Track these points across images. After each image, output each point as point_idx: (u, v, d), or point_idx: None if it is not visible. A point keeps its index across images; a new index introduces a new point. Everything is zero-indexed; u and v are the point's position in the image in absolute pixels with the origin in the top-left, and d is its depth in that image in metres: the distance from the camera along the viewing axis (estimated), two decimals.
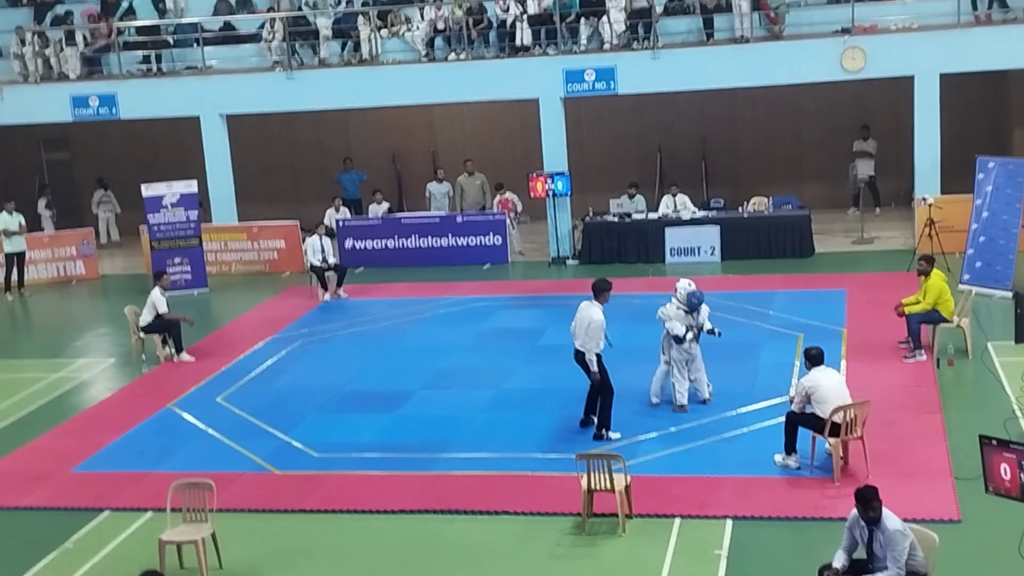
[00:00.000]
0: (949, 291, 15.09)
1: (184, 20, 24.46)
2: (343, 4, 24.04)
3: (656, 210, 22.12)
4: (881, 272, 19.49)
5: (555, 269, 21.81)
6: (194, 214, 21.71)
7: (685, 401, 13.73)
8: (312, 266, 20.34)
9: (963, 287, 17.10)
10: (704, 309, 13.77)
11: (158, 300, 17.13)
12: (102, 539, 11.55)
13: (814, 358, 11.97)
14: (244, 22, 24.43)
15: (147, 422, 14.81)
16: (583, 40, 22.06)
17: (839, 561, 8.98)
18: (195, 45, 23.86)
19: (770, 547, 10.60)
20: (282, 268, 22.83)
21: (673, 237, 21.41)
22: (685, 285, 13.67)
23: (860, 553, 8.96)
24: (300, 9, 24.11)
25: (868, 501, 8.72)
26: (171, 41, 24.21)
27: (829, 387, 11.79)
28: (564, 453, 12.37)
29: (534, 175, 21.98)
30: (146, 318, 17.21)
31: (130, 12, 24.97)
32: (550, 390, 14.78)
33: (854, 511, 8.91)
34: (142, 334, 17.32)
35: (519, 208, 23.16)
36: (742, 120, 25.26)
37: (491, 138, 26.13)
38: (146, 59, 24.16)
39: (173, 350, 17.26)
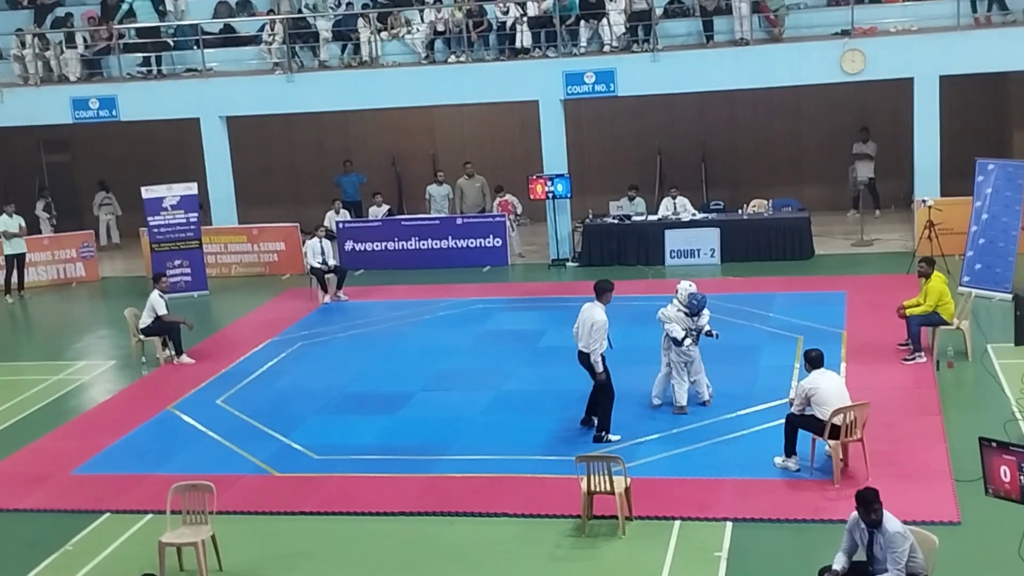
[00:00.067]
0: (949, 293, 15.10)
1: (184, 22, 24.47)
2: (343, 6, 24.06)
3: (656, 212, 22.13)
4: (881, 274, 19.50)
5: (555, 271, 21.81)
6: (194, 216, 21.70)
7: (685, 403, 13.73)
8: (312, 268, 20.34)
9: (963, 289, 17.10)
10: (705, 313, 13.77)
11: (157, 303, 17.13)
12: (102, 541, 11.55)
13: (814, 360, 11.98)
14: (244, 24, 24.45)
15: (147, 424, 14.82)
16: (583, 42, 22.08)
17: (839, 563, 8.98)
18: (195, 47, 23.87)
19: (770, 549, 10.60)
20: (282, 270, 22.83)
21: (673, 239, 21.41)
22: (686, 287, 13.68)
23: (860, 555, 8.96)
24: (300, 11, 24.13)
25: (869, 503, 8.72)
26: (171, 43, 24.22)
27: (829, 389, 11.80)
28: (564, 455, 12.36)
29: (534, 177, 21.98)
30: (145, 320, 17.21)
31: (130, 14, 24.97)
32: (550, 392, 14.79)
33: (854, 513, 8.91)
34: (142, 336, 17.33)
35: (519, 210, 23.16)
36: (742, 122, 25.27)
37: (491, 140, 26.13)
38: (146, 61, 24.18)
39: (173, 352, 17.26)
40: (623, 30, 21.80)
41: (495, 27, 22.70)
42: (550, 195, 21.83)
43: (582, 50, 22.06)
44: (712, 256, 21.21)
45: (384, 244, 22.79)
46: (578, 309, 13.30)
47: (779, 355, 15.68)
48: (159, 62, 24.06)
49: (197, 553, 10.47)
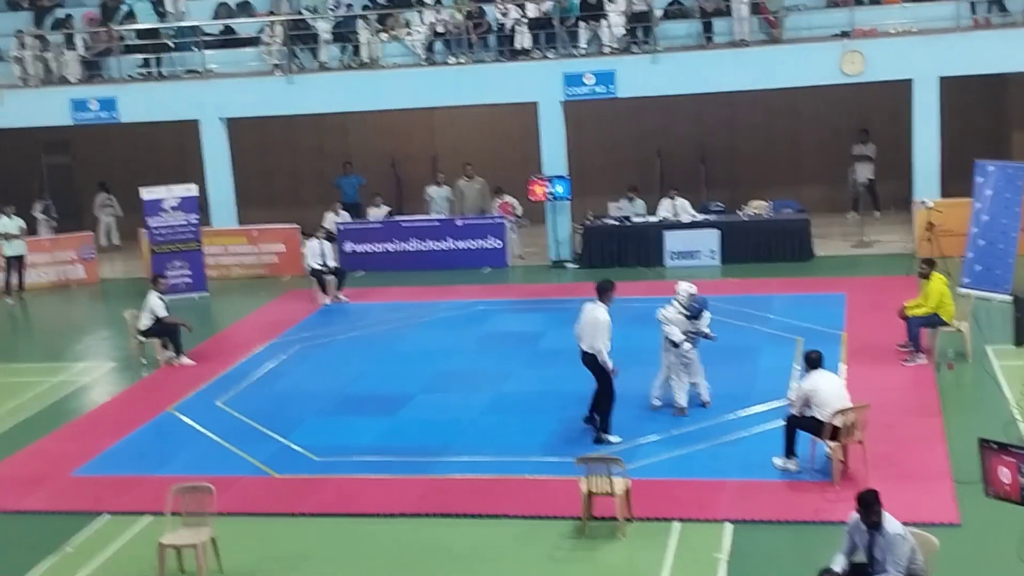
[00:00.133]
0: (950, 294, 15.11)
1: (184, 24, 24.47)
2: (343, 8, 24.06)
3: (655, 214, 22.13)
4: (880, 276, 19.51)
5: (555, 273, 21.82)
6: (193, 217, 21.71)
7: (685, 404, 13.73)
8: (312, 270, 20.34)
9: (962, 291, 17.12)
10: (706, 316, 13.77)
11: (156, 304, 17.13)
12: (102, 543, 11.54)
13: (813, 361, 11.98)
14: (244, 26, 24.44)
15: (147, 426, 14.81)
16: (582, 44, 22.08)
17: (839, 565, 8.98)
18: (195, 49, 23.88)
19: (770, 550, 10.60)
20: (282, 272, 22.82)
21: (672, 241, 21.42)
22: (686, 287, 13.68)
23: (860, 557, 8.96)
24: (300, 13, 24.14)
25: (870, 505, 8.72)
26: (171, 45, 24.22)
27: (829, 391, 11.80)
28: (564, 456, 12.36)
29: (533, 179, 21.99)
30: (145, 322, 17.21)
31: (130, 16, 25.00)
32: (550, 393, 14.80)
33: (854, 515, 8.91)
34: (142, 338, 17.32)
35: (519, 212, 23.16)
36: (741, 124, 25.28)
37: (491, 142, 26.13)
38: (146, 63, 24.19)
39: (173, 354, 17.26)
40: (623, 31, 21.82)
41: (495, 28, 22.71)
42: (550, 196, 21.84)
43: (582, 51, 22.07)
44: (712, 257, 21.21)
45: (384, 246, 22.79)
46: (578, 310, 13.30)
47: (779, 356, 15.68)
48: (159, 63, 24.07)
49: (197, 554, 10.47)
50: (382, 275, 22.16)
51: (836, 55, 20.84)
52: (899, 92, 21.43)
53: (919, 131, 20.91)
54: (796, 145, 25.23)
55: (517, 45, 22.28)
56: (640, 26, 21.82)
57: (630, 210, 22.28)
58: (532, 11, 22.36)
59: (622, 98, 22.04)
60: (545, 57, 22.17)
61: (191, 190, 21.81)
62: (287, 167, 27.19)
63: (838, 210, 24.00)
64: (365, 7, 24.03)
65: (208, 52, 23.76)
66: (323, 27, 23.44)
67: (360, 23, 23.17)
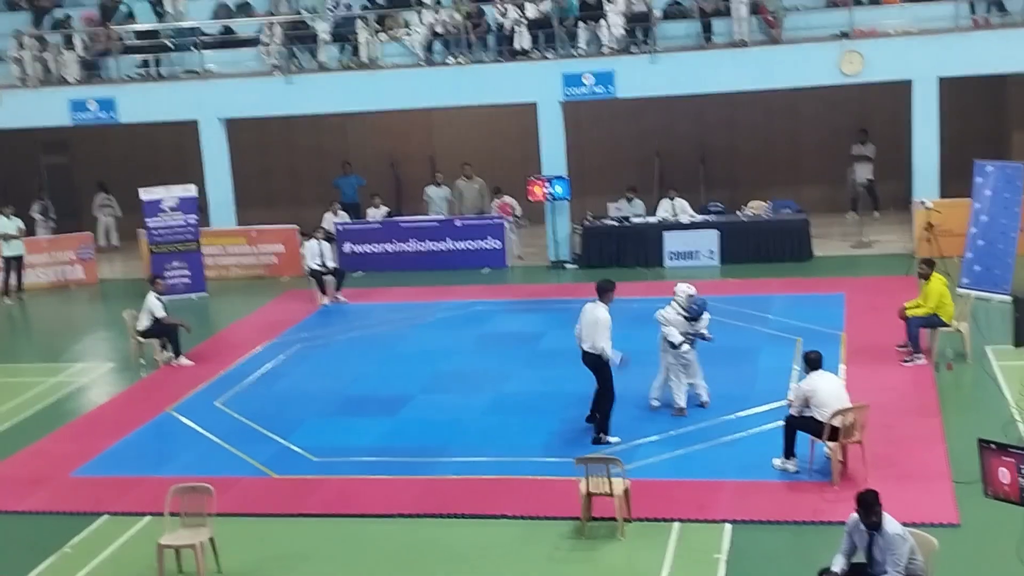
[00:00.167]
0: (949, 295, 15.11)
1: (183, 24, 24.47)
2: (342, 8, 24.06)
3: (655, 214, 22.13)
4: (880, 276, 19.51)
5: (554, 273, 21.82)
6: (192, 218, 21.70)
7: (684, 404, 13.73)
8: (311, 270, 20.33)
9: (962, 291, 17.11)
10: (705, 317, 13.77)
11: (154, 305, 17.12)
12: (101, 543, 11.54)
13: (813, 362, 11.98)
14: (243, 26, 24.43)
15: (146, 426, 14.81)
16: (582, 44, 22.08)
17: (838, 565, 8.98)
18: (194, 49, 23.88)
19: (769, 551, 10.59)
20: (281, 272, 22.82)
21: (672, 241, 21.42)
22: (685, 289, 13.68)
23: (859, 557, 8.96)
24: (299, 13, 24.13)
25: (870, 506, 8.72)
26: (170, 45, 24.22)
27: (828, 391, 11.80)
28: (563, 457, 12.36)
29: (533, 179, 21.99)
30: (143, 323, 17.20)
31: (129, 16, 24.98)
32: (549, 394, 14.79)
33: (854, 515, 8.91)
34: (140, 338, 17.31)
35: (518, 212, 23.16)
36: (740, 124, 25.28)
37: (490, 142, 26.13)
38: (145, 63, 24.18)
39: (172, 354, 17.25)
40: (622, 32, 21.80)
41: (494, 29, 22.71)
42: (549, 197, 21.84)
43: (581, 52, 22.06)
44: (711, 258, 21.22)
45: (383, 246, 22.79)
46: (577, 311, 13.30)
47: (778, 357, 15.67)
48: (158, 64, 24.06)
49: (196, 555, 10.47)
50: (381, 276, 22.17)
51: (835, 55, 20.85)
52: (898, 92, 21.44)
53: (918, 131, 20.91)
54: (795, 145, 25.23)
55: (516, 45, 22.27)
56: (639, 26, 21.82)
57: (629, 210, 22.28)
58: (531, 11, 22.36)
59: (621, 98, 22.04)
60: (544, 57, 22.17)
61: (190, 190, 21.81)
62: (286, 167, 27.18)
63: (837, 210, 24.00)
64: (364, 7, 24.03)
65: (207, 52, 23.76)
66: (322, 27, 23.43)
67: (359, 23, 23.16)
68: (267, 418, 14.68)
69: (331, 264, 20.55)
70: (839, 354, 15.46)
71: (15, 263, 22.33)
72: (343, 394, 15.57)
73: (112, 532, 11.76)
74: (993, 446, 8.65)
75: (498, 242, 22.39)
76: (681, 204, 22.07)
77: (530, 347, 17.04)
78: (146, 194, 21.66)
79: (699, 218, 21.85)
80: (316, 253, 20.23)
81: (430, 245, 22.63)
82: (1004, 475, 8.50)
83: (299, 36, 23.53)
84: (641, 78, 21.58)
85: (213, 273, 22.62)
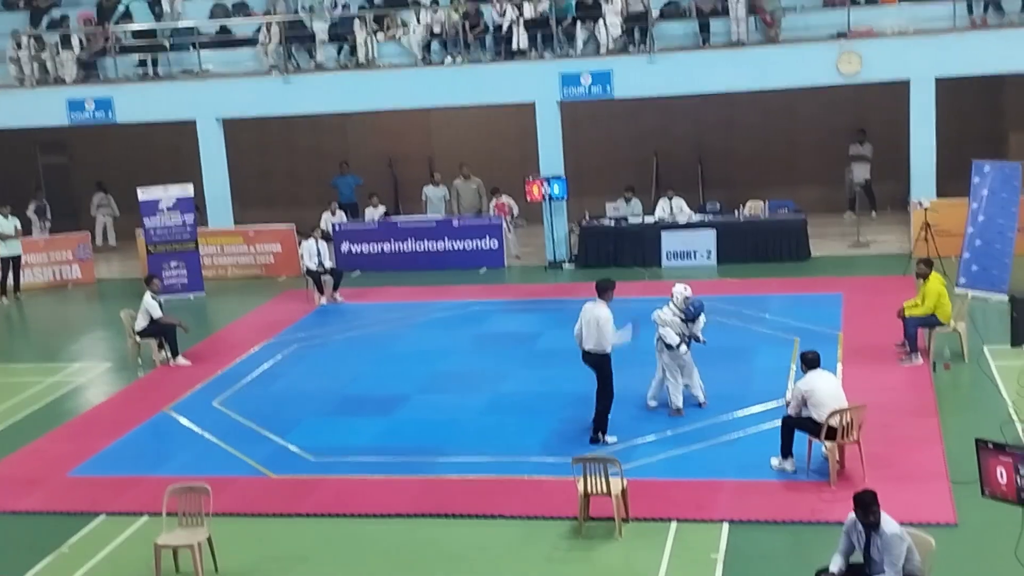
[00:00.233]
0: (947, 295, 15.11)
1: (180, 24, 24.46)
2: (339, 8, 24.05)
3: (652, 214, 22.14)
4: (877, 276, 19.51)
5: (552, 273, 21.82)
6: (190, 218, 21.69)
7: (681, 404, 13.73)
8: (308, 270, 20.33)
9: (959, 291, 17.11)
10: (701, 320, 13.76)
11: (151, 305, 17.10)
12: (98, 543, 11.53)
13: (810, 362, 11.98)
14: (240, 26, 24.43)
15: (143, 426, 14.80)
16: (579, 44, 22.08)
17: (836, 565, 8.98)
18: (191, 49, 23.86)
19: (767, 551, 10.59)
20: (278, 272, 22.82)
21: (669, 241, 21.43)
22: (681, 290, 13.68)
23: (857, 557, 8.96)
24: (296, 13, 24.12)
25: (868, 506, 8.71)
26: (167, 45, 24.20)
27: (825, 391, 11.80)
28: (561, 457, 12.35)
29: (530, 179, 21.99)
30: (140, 323, 17.19)
31: (126, 16, 24.96)
32: (547, 394, 14.79)
33: (851, 515, 8.90)
34: (138, 338, 17.30)
35: (515, 212, 23.16)
36: (738, 124, 25.28)
37: (487, 142, 26.13)
38: (142, 63, 24.16)
39: (169, 354, 17.24)
40: (619, 32, 21.81)
41: (491, 29, 22.70)
42: (546, 197, 21.84)
43: (578, 52, 22.05)
44: (708, 258, 21.22)
45: (380, 246, 22.78)
46: (576, 311, 13.28)
47: (775, 357, 15.68)
48: (155, 64, 24.03)
49: (193, 555, 10.46)
50: (378, 275, 22.16)
51: (833, 55, 20.85)
52: (896, 93, 21.43)
53: (916, 131, 20.91)
54: (793, 145, 25.24)
55: (514, 45, 22.26)
56: (637, 26, 21.81)
57: (627, 210, 22.28)
58: (529, 11, 22.35)
59: (619, 98, 22.05)
60: (542, 57, 22.17)
61: (187, 190, 21.79)
62: (284, 167, 27.17)
63: (835, 210, 24.01)
64: (361, 7, 24.02)
65: (204, 52, 23.74)
66: (319, 27, 23.42)
67: (357, 23, 23.14)
68: (264, 418, 14.67)
69: (328, 264, 20.54)
70: (836, 354, 15.46)
71: (12, 263, 22.30)
72: (341, 394, 15.56)
73: (109, 532, 11.75)
74: (990, 446, 8.65)
75: (496, 242, 22.38)
76: (679, 204, 22.08)
77: (527, 347, 17.04)
78: (144, 194, 21.64)
79: (697, 218, 21.86)
80: (314, 253, 20.22)
81: (427, 245, 22.63)
82: (1001, 475, 8.50)
83: (297, 36, 23.52)
84: (639, 78, 21.58)
85: (210, 273, 22.60)
